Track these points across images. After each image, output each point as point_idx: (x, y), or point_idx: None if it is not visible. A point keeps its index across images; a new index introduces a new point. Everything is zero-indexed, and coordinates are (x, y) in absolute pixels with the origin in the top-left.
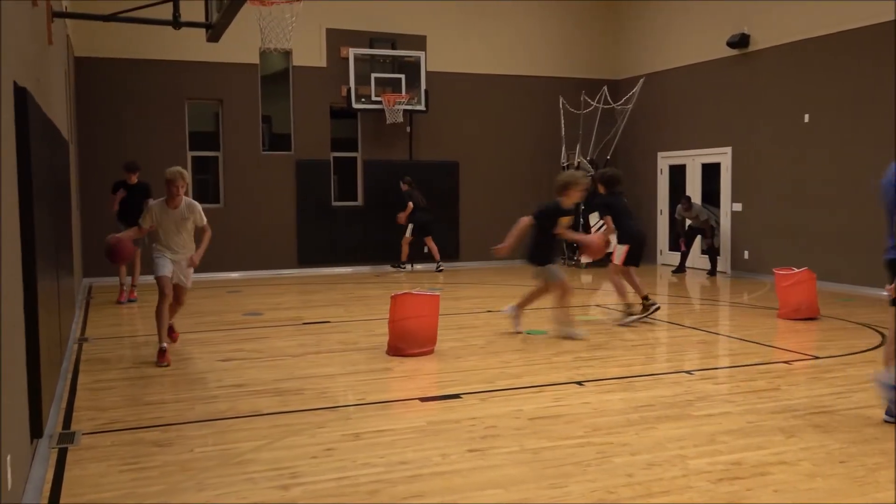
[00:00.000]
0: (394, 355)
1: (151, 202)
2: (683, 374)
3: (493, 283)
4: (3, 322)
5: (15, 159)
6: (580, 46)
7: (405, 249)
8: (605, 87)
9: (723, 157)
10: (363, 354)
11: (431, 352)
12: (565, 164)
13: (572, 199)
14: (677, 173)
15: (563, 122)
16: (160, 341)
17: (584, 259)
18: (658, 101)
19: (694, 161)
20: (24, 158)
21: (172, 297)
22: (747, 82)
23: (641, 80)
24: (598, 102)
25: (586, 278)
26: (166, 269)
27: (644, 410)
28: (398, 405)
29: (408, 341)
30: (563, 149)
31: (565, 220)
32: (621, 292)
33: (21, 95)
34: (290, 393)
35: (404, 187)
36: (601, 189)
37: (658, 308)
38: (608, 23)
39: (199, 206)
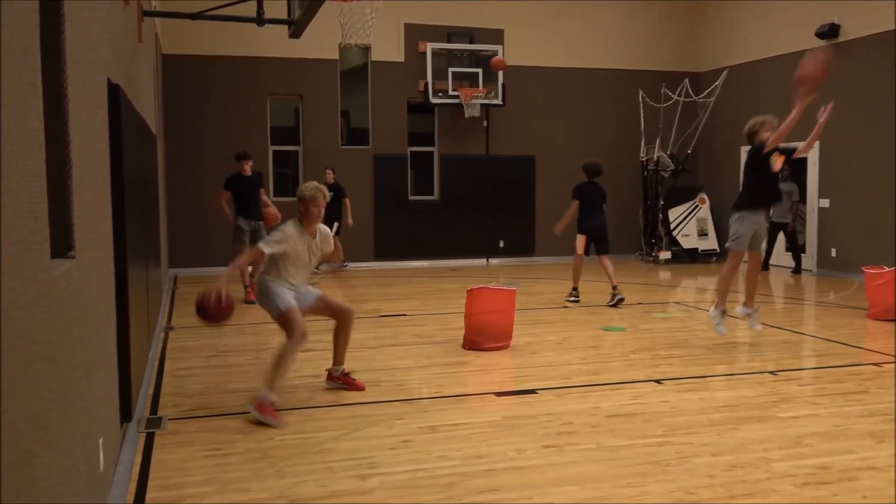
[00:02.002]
0: (469, 349)
1: (288, 225)
2: (767, 374)
3: (568, 278)
4: (96, 311)
5: (108, 152)
6: (660, 39)
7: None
8: (687, 80)
9: (810, 150)
10: (439, 348)
11: (507, 346)
12: (644, 159)
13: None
14: None
15: (642, 115)
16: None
17: (663, 255)
18: (742, 94)
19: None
20: (117, 152)
21: (327, 320)
22: (836, 74)
23: (725, 73)
24: (679, 96)
25: (665, 275)
26: (289, 298)
27: (725, 411)
28: (474, 399)
29: (484, 335)
30: (643, 143)
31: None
32: (576, 275)
33: (114, 92)
34: (368, 384)
35: None
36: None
37: (622, 300)
38: (690, 14)
39: (331, 234)
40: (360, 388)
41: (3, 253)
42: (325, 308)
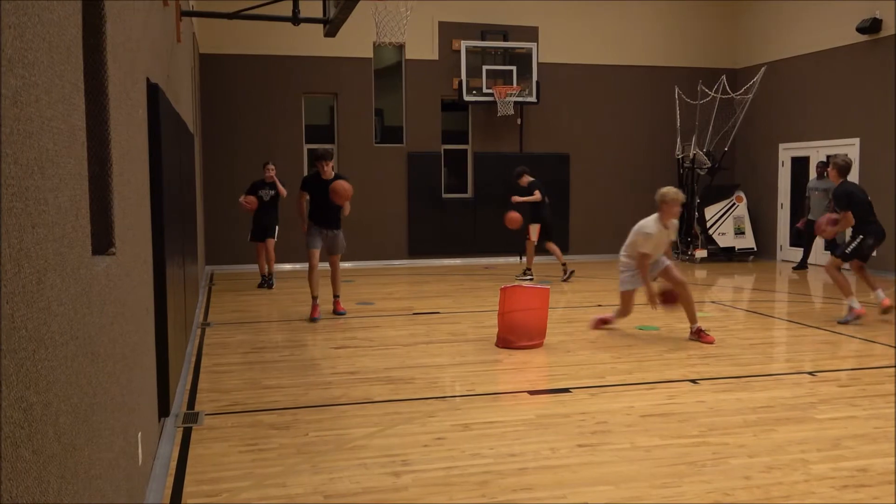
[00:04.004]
0: (503, 347)
1: (647, 221)
2: (805, 374)
3: (603, 276)
4: (135, 307)
5: (147, 151)
6: (697, 35)
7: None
8: (724, 77)
9: (850, 148)
10: (472, 345)
11: (541, 345)
12: (680, 156)
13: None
14: (800, 165)
15: (678, 112)
16: None
17: (699, 254)
18: (781, 91)
19: (818, 153)
20: (156, 150)
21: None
22: (878, 70)
23: (763, 69)
24: (716, 92)
25: (700, 273)
26: (626, 282)
27: (762, 411)
28: (507, 397)
29: (517, 333)
30: (679, 140)
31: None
32: (530, 258)
33: (153, 91)
34: (402, 381)
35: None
36: (529, 177)
37: (572, 272)
38: (727, 10)
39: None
40: (710, 342)
41: (47, 249)
42: (666, 275)
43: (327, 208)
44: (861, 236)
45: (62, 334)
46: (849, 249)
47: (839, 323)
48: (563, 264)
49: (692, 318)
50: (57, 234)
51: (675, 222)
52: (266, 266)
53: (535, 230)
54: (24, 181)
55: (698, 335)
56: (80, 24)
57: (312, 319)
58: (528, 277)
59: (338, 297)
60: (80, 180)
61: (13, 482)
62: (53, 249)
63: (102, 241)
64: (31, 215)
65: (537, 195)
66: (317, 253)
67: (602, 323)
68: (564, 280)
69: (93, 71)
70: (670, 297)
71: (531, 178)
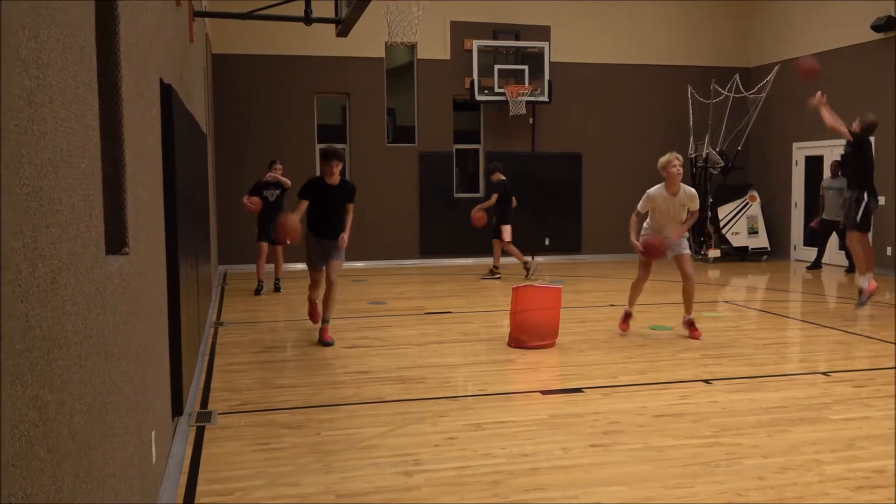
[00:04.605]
0: (515, 347)
1: (653, 188)
2: (819, 375)
3: (615, 276)
4: (149, 307)
5: (161, 151)
6: (710, 34)
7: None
8: (737, 76)
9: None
10: (484, 345)
11: (553, 344)
12: (693, 156)
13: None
14: (814, 165)
15: (691, 112)
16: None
17: (712, 254)
18: (794, 90)
19: (832, 152)
20: (169, 150)
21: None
22: (893, 68)
23: (776, 68)
24: (730, 91)
25: (714, 273)
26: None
27: (776, 412)
28: (519, 397)
29: (529, 333)
30: (692, 139)
31: None
32: (497, 258)
33: (166, 91)
34: (413, 381)
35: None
36: (500, 175)
37: (536, 267)
38: (740, 8)
39: (695, 193)
40: (696, 338)
41: (61, 248)
42: (678, 263)
43: (332, 217)
44: (865, 197)
45: (76, 333)
46: (859, 216)
47: (857, 307)
48: (495, 266)
49: (688, 309)
50: (71, 234)
51: (689, 191)
52: (263, 271)
53: (507, 231)
54: (38, 181)
55: (688, 327)
56: (94, 24)
57: (325, 343)
58: (496, 276)
59: (327, 322)
60: (94, 180)
61: (28, 480)
62: (68, 249)
63: (116, 240)
64: (46, 215)
65: (493, 199)
66: (321, 276)
67: (626, 321)
68: (491, 278)
69: (106, 71)
70: (652, 249)
71: (502, 177)
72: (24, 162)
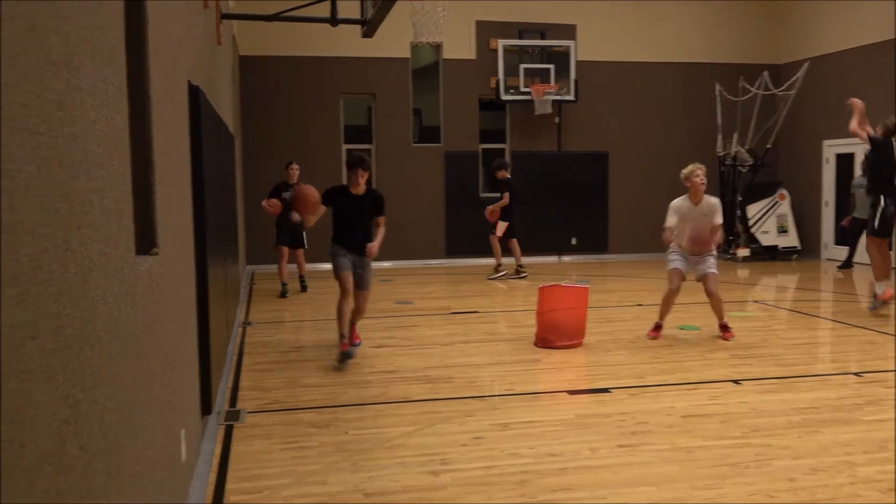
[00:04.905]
0: (541, 347)
1: (676, 199)
2: (851, 375)
3: (643, 276)
4: (178, 306)
5: (189, 152)
6: (738, 30)
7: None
8: (766, 73)
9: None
10: (510, 345)
11: (580, 344)
12: (721, 154)
13: None
14: (845, 162)
15: (719, 109)
16: None
17: (741, 253)
18: (824, 86)
19: (864, 149)
20: (197, 152)
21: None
22: None
23: (806, 65)
24: (758, 89)
25: (743, 273)
26: (674, 262)
27: (807, 412)
28: (546, 397)
29: (556, 333)
30: (720, 137)
31: None
32: (497, 254)
33: (194, 93)
34: (440, 381)
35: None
36: (506, 174)
37: (525, 276)
38: (768, 4)
39: (718, 203)
40: (726, 339)
41: (92, 249)
42: (703, 282)
43: (357, 228)
44: (882, 202)
45: (107, 333)
46: (877, 223)
47: (869, 309)
48: (520, 265)
49: (720, 317)
50: (101, 235)
51: (712, 201)
52: (286, 273)
53: (501, 227)
54: (69, 183)
55: (721, 329)
56: (123, 27)
57: (345, 354)
58: (502, 273)
59: (353, 325)
60: (124, 182)
61: (61, 477)
62: (98, 250)
63: (145, 241)
64: (77, 216)
65: (506, 198)
66: (350, 276)
67: (657, 331)
68: (517, 278)
69: (135, 74)
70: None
71: (508, 176)
72: (56, 164)
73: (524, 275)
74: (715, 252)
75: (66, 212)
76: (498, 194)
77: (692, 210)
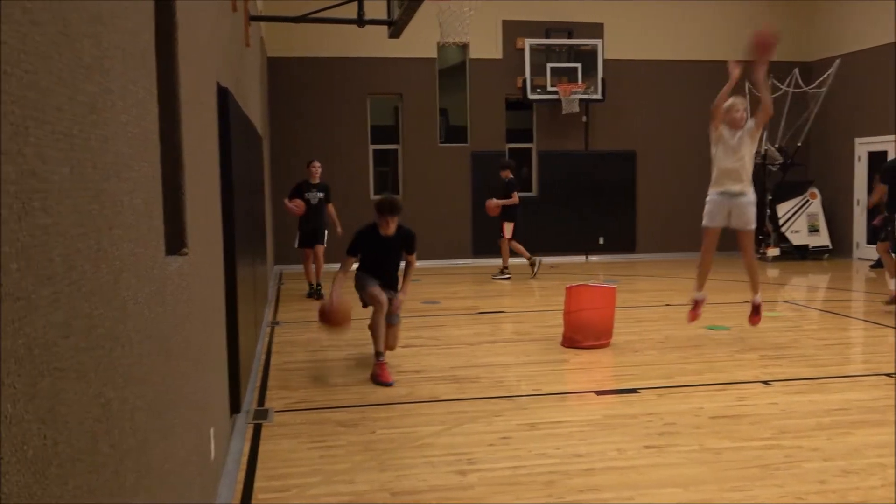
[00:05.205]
0: (568, 347)
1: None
2: (883, 376)
3: (671, 275)
4: (207, 306)
5: (218, 154)
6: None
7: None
8: (796, 70)
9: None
10: (537, 345)
11: (607, 344)
12: None
13: None
14: (877, 160)
15: (749, 107)
16: None
17: (771, 252)
18: (856, 83)
19: None
20: (226, 153)
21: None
22: None
23: (837, 61)
24: (788, 86)
25: (773, 272)
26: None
27: (838, 414)
28: (573, 397)
29: (583, 333)
30: None
31: None
32: (505, 256)
33: (223, 95)
34: (467, 381)
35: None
36: (510, 174)
37: (539, 263)
38: (797, 2)
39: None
40: (752, 324)
41: (122, 249)
42: (739, 241)
43: (385, 267)
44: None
45: (137, 332)
46: (882, 233)
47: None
48: (505, 266)
49: (754, 287)
50: (132, 236)
51: (749, 123)
52: (312, 274)
53: (509, 228)
54: (101, 184)
55: (753, 311)
56: (154, 30)
57: (384, 383)
58: (506, 276)
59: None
60: (154, 183)
61: (93, 475)
62: (129, 250)
63: (175, 241)
64: (108, 217)
65: (515, 198)
66: (379, 288)
67: (697, 309)
68: (533, 276)
69: (165, 76)
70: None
71: (511, 176)
72: (88, 166)
73: (508, 277)
74: (753, 198)
75: (98, 213)
76: (503, 196)
77: (732, 136)
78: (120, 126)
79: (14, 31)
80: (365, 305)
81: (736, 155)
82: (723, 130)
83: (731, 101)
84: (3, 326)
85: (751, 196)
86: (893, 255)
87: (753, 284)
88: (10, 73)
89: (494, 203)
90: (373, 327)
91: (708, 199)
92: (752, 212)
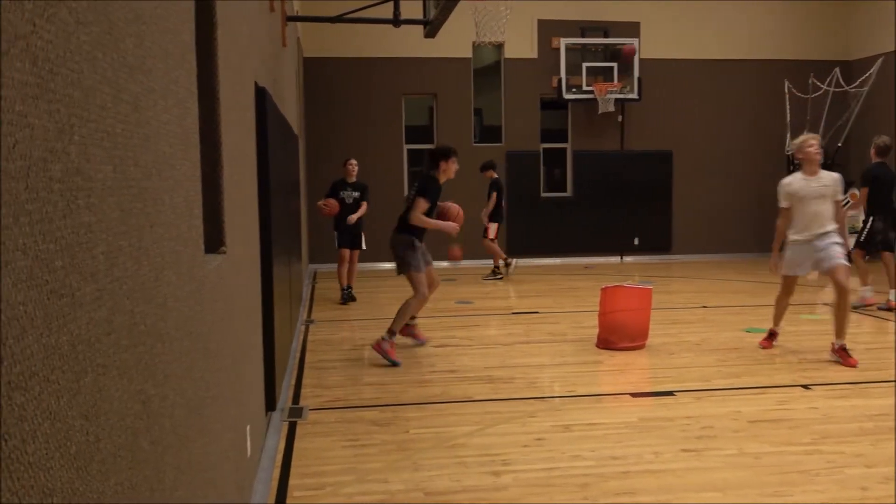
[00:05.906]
0: (603, 348)
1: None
2: None
3: (708, 277)
4: (244, 305)
5: (255, 153)
6: (807, 26)
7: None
8: (837, 69)
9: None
10: (572, 346)
11: (643, 346)
12: (790, 153)
13: None
14: None
15: (788, 107)
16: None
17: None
18: None
19: None
20: (263, 152)
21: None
22: None
23: (880, 60)
24: (829, 85)
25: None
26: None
27: (880, 419)
28: (609, 399)
29: (618, 334)
30: (788, 136)
31: None
32: (497, 256)
33: (260, 95)
34: (501, 381)
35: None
36: (494, 174)
37: (511, 264)
38: (838, 1)
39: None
40: (851, 366)
41: (163, 247)
42: (830, 276)
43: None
44: (871, 218)
45: (177, 329)
46: (862, 237)
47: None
48: (496, 267)
49: (839, 332)
50: (172, 234)
51: (832, 175)
52: (345, 277)
53: (493, 228)
54: (142, 182)
55: (840, 354)
56: (194, 31)
57: (393, 363)
58: (499, 277)
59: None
60: (194, 182)
61: (133, 471)
62: (169, 248)
63: (214, 240)
64: (150, 215)
65: (493, 199)
66: (426, 279)
67: (770, 339)
68: (502, 277)
69: (205, 76)
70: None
71: (495, 176)
72: (130, 164)
73: (500, 276)
74: (839, 239)
75: (140, 211)
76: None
77: (807, 185)
78: (161, 125)
79: (60, 31)
80: (405, 275)
81: (818, 199)
82: (797, 185)
83: (802, 137)
84: (48, 323)
85: (835, 237)
86: (867, 258)
87: (840, 328)
88: (55, 72)
89: (485, 213)
90: (404, 310)
91: (789, 246)
92: (838, 249)
